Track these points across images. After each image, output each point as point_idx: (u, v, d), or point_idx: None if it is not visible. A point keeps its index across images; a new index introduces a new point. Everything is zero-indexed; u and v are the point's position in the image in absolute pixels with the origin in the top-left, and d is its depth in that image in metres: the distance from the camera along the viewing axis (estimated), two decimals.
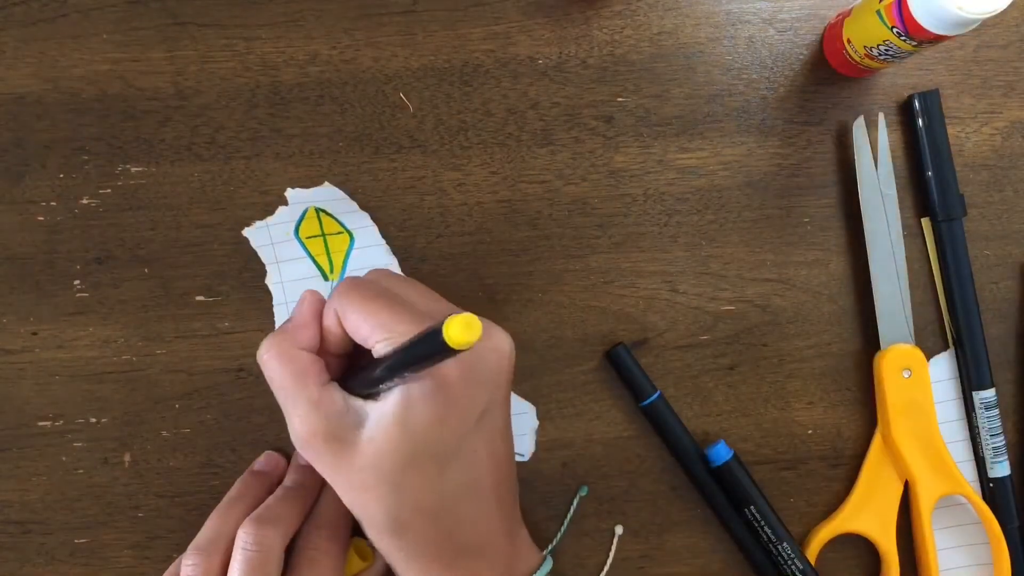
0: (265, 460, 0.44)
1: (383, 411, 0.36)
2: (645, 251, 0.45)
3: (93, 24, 0.44)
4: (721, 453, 0.43)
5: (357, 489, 0.37)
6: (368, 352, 0.38)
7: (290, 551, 0.39)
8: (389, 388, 0.36)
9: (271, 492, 0.41)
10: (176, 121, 0.44)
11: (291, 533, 0.39)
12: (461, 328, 0.29)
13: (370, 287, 0.38)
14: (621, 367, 0.44)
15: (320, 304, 0.40)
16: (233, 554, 0.38)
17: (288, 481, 0.42)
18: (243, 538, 0.38)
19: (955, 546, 0.45)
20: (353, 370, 0.40)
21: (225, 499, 0.42)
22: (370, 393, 0.37)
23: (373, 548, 0.42)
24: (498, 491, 0.39)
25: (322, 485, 0.42)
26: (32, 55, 0.44)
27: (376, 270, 0.42)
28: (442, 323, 0.29)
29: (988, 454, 0.44)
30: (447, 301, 0.40)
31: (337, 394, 0.38)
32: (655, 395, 0.44)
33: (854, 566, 0.46)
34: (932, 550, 0.44)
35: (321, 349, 0.39)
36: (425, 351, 0.32)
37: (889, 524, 0.44)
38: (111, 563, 0.44)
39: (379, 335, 0.36)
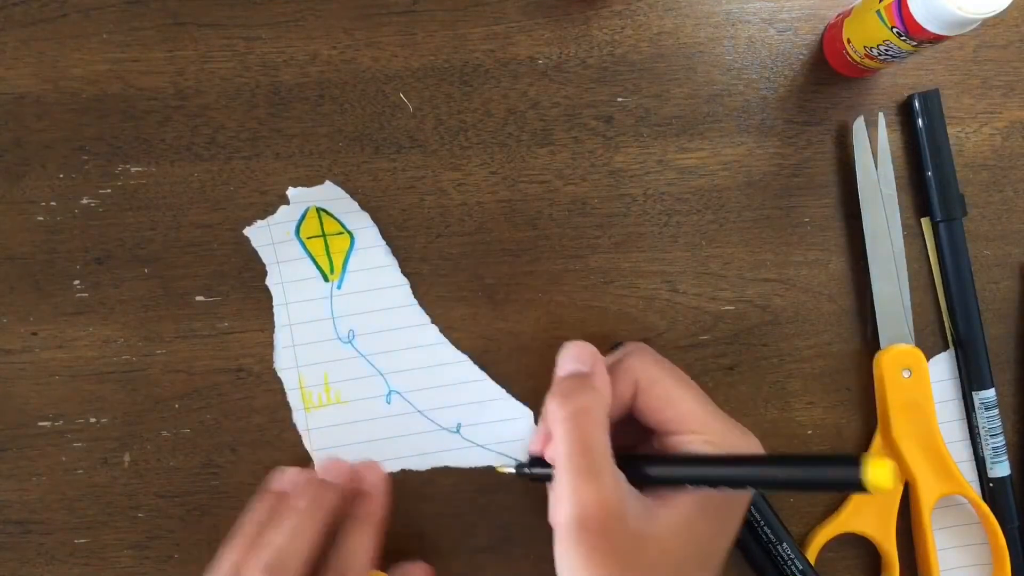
0: (280, 479, 0.41)
1: (676, 511, 0.35)
2: (645, 251, 0.45)
3: (93, 24, 0.44)
4: None
5: None
6: (622, 429, 0.37)
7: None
8: (680, 488, 0.36)
9: (292, 510, 0.38)
10: (176, 121, 0.44)
11: (310, 566, 0.37)
12: (887, 474, 0.29)
13: (671, 367, 0.37)
14: None
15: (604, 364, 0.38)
16: None
17: (303, 503, 0.39)
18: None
19: (955, 546, 0.45)
20: (628, 451, 0.37)
21: (246, 523, 0.39)
22: (652, 484, 0.36)
23: None
24: None
25: (340, 504, 0.40)
26: (32, 55, 0.44)
27: (647, 346, 0.40)
28: (856, 460, 0.29)
29: (988, 454, 0.44)
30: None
31: (622, 477, 0.35)
32: None
33: (854, 566, 0.46)
34: (932, 550, 0.44)
35: None
36: (815, 480, 0.32)
37: (889, 524, 0.44)
38: (111, 563, 0.44)
39: (690, 426, 0.36)
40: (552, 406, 0.37)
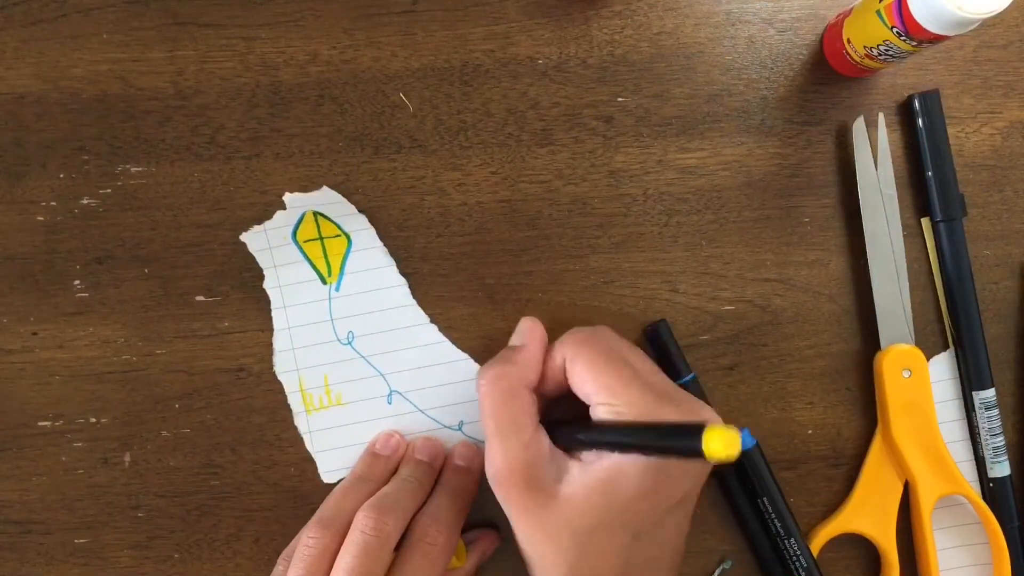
0: (384, 441, 0.44)
1: (589, 473, 0.37)
2: (645, 251, 0.45)
3: (93, 24, 0.44)
4: (745, 440, 0.43)
5: (541, 538, 0.37)
6: (568, 401, 0.39)
7: (401, 538, 0.39)
8: (597, 451, 0.37)
9: (391, 474, 0.42)
10: (176, 121, 0.44)
11: (405, 524, 0.39)
12: (723, 443, 0.29)
13: (602, 345, 0.39)
14: (659, 344, 0.44)
15: (545, 341, 0.41)
16: (349, 534, 0.38)
17: (405, 472, 0.42)
18: (363, 521, 0.38)
19: (955, 546, 0.45)
20: (555, 418, 0.40)
21: (349, 477, 0.43)
22: (571, 449, 0.38)
23: (467, 551, 0.42)
24: (671, 567, 0.39)
25: (435, 482, 0.43)
26: (32, 55, 0.44)
27: (604, 328, 0.41)
28: (700, 428, 0.29)
29: (988, 454, 0.44)
30: (665, 375, 0.41)
31: (545, 440, 0.38)
32: (688, 376, 0.44)
33: (854, 566, 0.46)
34: (932, 550, 0.44)
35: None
36: (668, 446, 0.32)
37: (889, 524, 0.44)
38: (111, 563, 0.45)
39: (603, 398, 0.37)
40: (477, 374, 0.40)
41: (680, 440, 0.31)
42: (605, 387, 0.37)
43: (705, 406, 0.39)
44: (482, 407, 0.39)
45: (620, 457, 0.36)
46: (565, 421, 0.39)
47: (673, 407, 0.37)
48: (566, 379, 0.40)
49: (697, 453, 0.29)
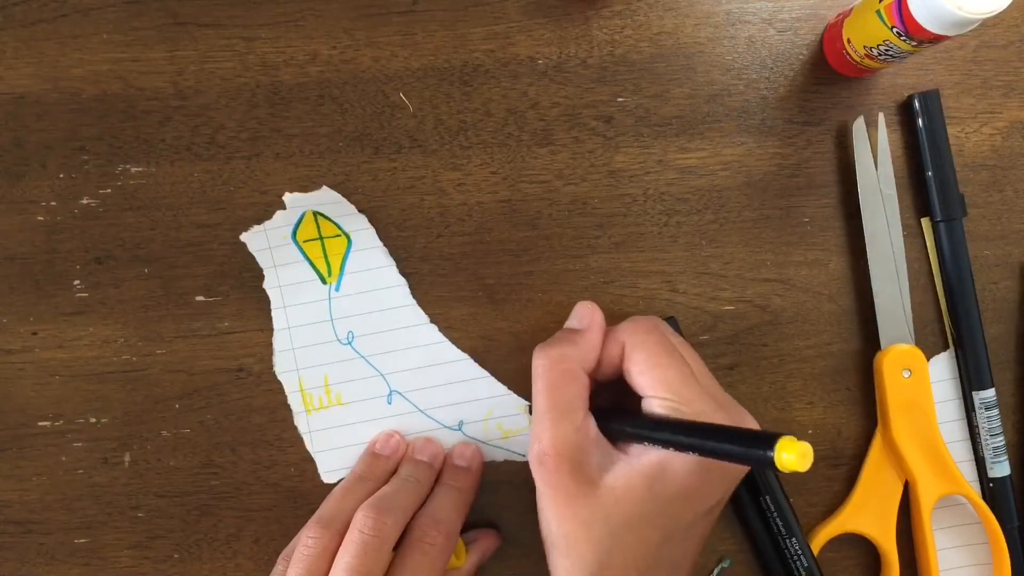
0: (384, 441, 0.44)
1: (635, 466, 0.36)
2: (645, 251, 0.45)
3: (93, 24, 0.44)
4: None
5: (575, 525, 0.37)
6: (611, 389, 0.39)
7: (400, 538, 0.39)
8: (645, 446, 0.37)
9: (391, 474, 0.42)
10: (176, 121, 0.44)
11: (404, 524, 0.39)
12: (799, 455, 0.28)
13: (663, 338, 0.39)
14: None
15: (604, 327, 0.40)
16: (348, 533, 0.38)
17: (404, 472, 0.42)
18: (362, 521, 0.38)
19: (955, 546, 0.45)
20: (596, 406, 0.39)
21: (349, 477, 0.42)
22: (619, 440, 0.38)
23: (467, 551, 0.42)
24: (691, 566, 0.39)
25: (434, 482, 0.43)
26: (32, 55, 0.44)
27: (659, 320, 0.41)
28: (774, 438, 0.29)
29: (988, 454, 0.44)
30: (714, 378, 0.40)
31: (593, 427, 0.38)
32: None
33: (854, 566, 0.46)
34: (932, 550, 0.44)
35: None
36: (736, 452, 0.32)
37: (889, 524, 0.44)
38: (111, 563, 0.45)
39: (660, 392, 0.37)
40: (534, 353, 0.40)
41: (751, 448, 0.31)
42: (662, 381, 0.37)
43: (748, 414, 0.39)
44: (537, 386, 0.39)
45: (668, 454, 0.36)
46: (610, 410, 0.39)
47: (724, 413, 0.37)
48: (620, 367, 0.39)
49: (766, 462, 0.29)
